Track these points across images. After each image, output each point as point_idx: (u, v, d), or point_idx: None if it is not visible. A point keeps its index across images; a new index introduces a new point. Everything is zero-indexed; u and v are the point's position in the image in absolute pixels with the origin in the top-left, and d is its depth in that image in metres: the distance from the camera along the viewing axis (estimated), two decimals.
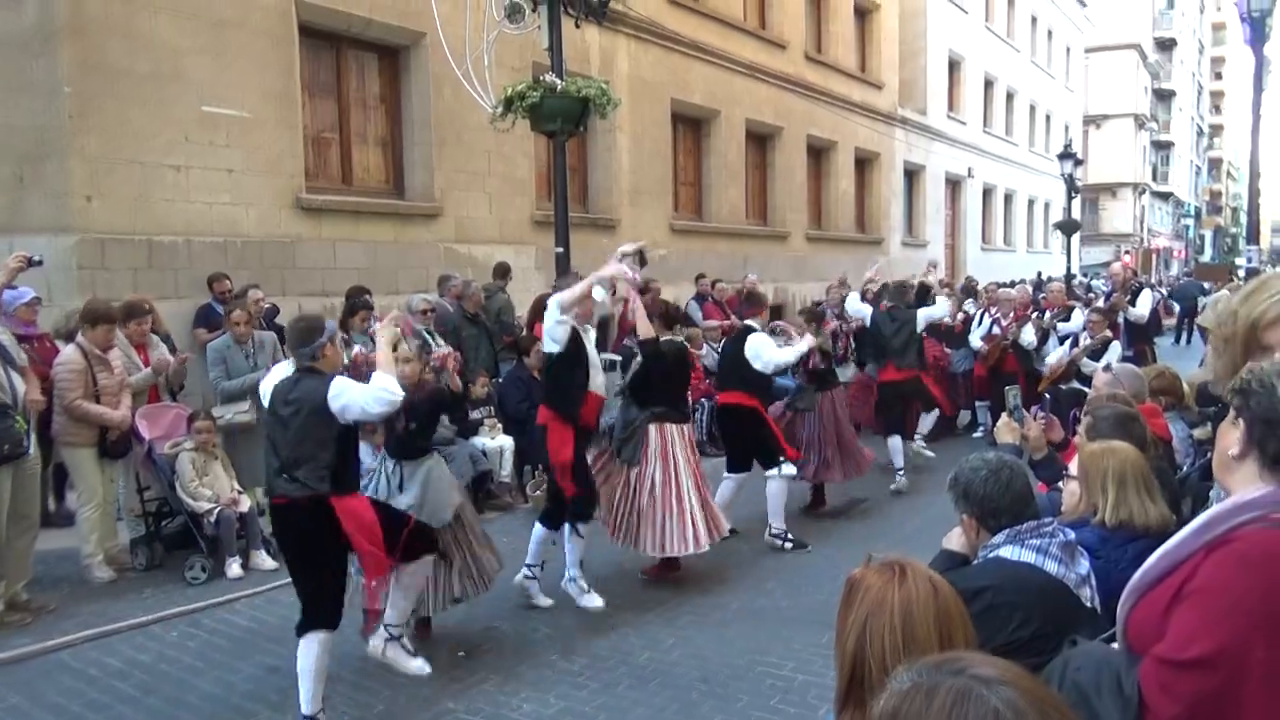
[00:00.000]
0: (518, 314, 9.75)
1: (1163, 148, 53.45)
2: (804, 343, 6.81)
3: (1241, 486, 1.67)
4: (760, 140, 16.92)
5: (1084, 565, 2.51)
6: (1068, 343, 9.08)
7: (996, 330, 9.89)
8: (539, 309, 6.85)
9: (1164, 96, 52.87)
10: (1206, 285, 24.48)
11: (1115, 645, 1.91)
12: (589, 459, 5.78)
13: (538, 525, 5.57)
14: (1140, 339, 10.21)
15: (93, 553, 5.96)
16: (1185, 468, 4.07)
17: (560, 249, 6.83)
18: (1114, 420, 3.29)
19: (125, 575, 6.08)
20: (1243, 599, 1.53)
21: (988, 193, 28.02)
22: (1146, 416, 3.61)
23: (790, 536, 6.55)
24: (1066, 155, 21.18)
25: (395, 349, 4.42)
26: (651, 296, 9.32)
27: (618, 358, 9.49)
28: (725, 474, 6.67)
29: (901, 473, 8.23)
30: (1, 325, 5.73)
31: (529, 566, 5.52)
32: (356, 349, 6.39)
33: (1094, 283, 24.67)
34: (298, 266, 9.13)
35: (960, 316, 10.87)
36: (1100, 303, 11.09)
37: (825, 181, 19.19)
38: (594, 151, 13.01)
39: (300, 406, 3.89)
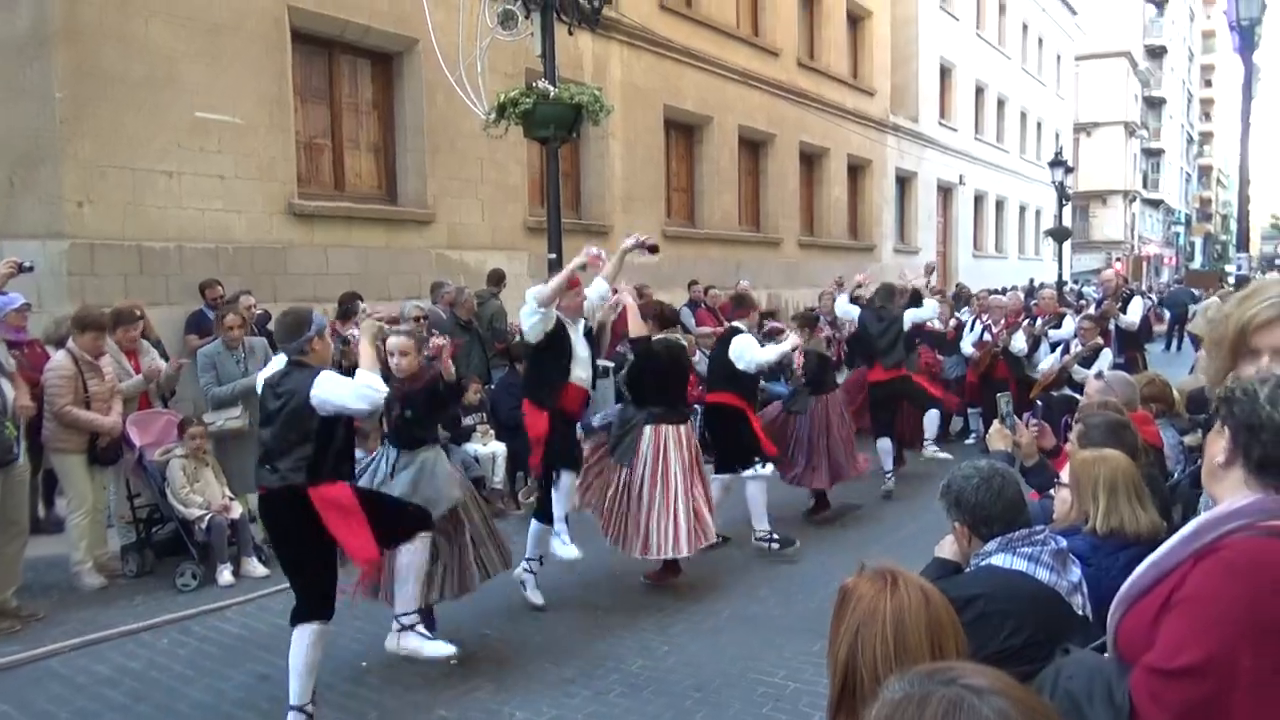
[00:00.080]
0: (510, 320, 9.75)
1: (1153, 155, 53.75)
2: (787, 343, 6.84)
3: (1229, 494, 1.68)
4: (753, 147, 16.97)
5: (1075, 573, 2.52)
6: (1059, 350, 9.12)
7: (988, 337, 9.93)
8: None
9: (1154, 104, 53.17)
10: (1197, 292, 24.61)
11: (1107, 654, 1.92)
12: (585, 450, 5.85)
13: (533, 521, 5.68)
14: (1131, 346, 10.24)
15: (82, 559, 5.93)
16: (1176, 475, 4.09)
17: (553, 255, 6.84)
18: (1105, 428, 3.30)
19: (115, 582, 6.04)
20: (1230, 608, 1.54)
21: (979, 199, 28.13)
22: (1138, 424, 3.63)
23: (776, 536, 6.56)
24: (1057, 162, 21.30)
25: (385, 342, 4.46)
26: (646, 299, 9.34)
27: (610, 364, 9.51)
28: (713, 475, 6.68)
29: (890, 475, 8.25)
30: None
31: (528, 560, 5.59)
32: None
33: (1085, 290, 24.76)
34: (289, 272, 9.12)
35: (953, 323, 10.91)
36: (1091, 310, 11.13)
37: (817, 188, 19.26)
38: (587, 158, 13.03)
39: (287, 399, 3.92)
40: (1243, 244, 13.06)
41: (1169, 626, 1.61)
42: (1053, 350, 9.26)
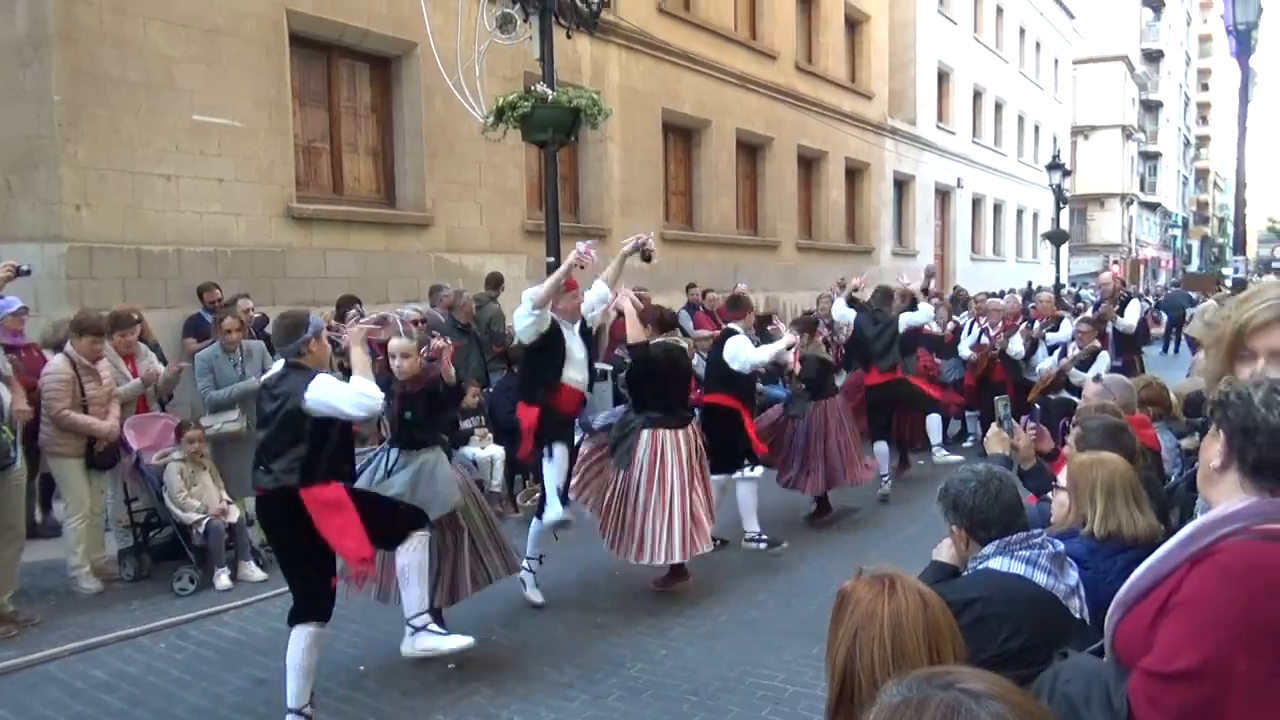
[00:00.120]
0: (508, 324, 9.75)
1: (1150, 158, 53.86)
2: (781, 342, 6.85)
3: (1224, 498, 1.69)
4: (751, 150, 16.98)
5: (1073, 576, 2.53)
6: (1056, 352, 9.13)
7: (985, 340, 9.94)
8: None
9: (1151, 108, 53.29)
10: (1194, 295, 24.64)
11: (1104, 658, 1.92)
12: (586, 450, 5.85)
13: (534, 520, 5.71)
14: (1128, 349, 10.26)
15: (79, 564, 5.92)
16: (1173, 478, 4.09)
17: (551, 258, 6.84)
18: (1103, 431, 3.30)
19: (112, 586, 6.03)
20: (1226, 611, 1.54)
21: (977, 203, 28.17)
22: (1136, 427, 3.63)
23: (765, 536, 6.57)
24: (1055, 166, 21.33)
25: (386, 345, 4.49)
26: (644, 303, 9.33)
27: (609, 367, 9.51)
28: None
29: (887, 479, 8.25)
30: None
31: (528, 559, 5.62)
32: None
33: (1083, 292, 24.80)
34: (288, 276, 9.11)
35: (950, 326, 10.91)
36: (1089, 313, 11.15)
37: (816, 191, 19.27)
38: (585, 161, 13.04)
39: (282, 401, 3.94)
40: (1240, 247, 13.08)
41: (1166, 630, 1.61)
42: (1050, 353, 9.27)
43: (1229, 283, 15.17)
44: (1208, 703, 1.54)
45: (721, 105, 15.53)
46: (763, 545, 6.52)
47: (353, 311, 4.85)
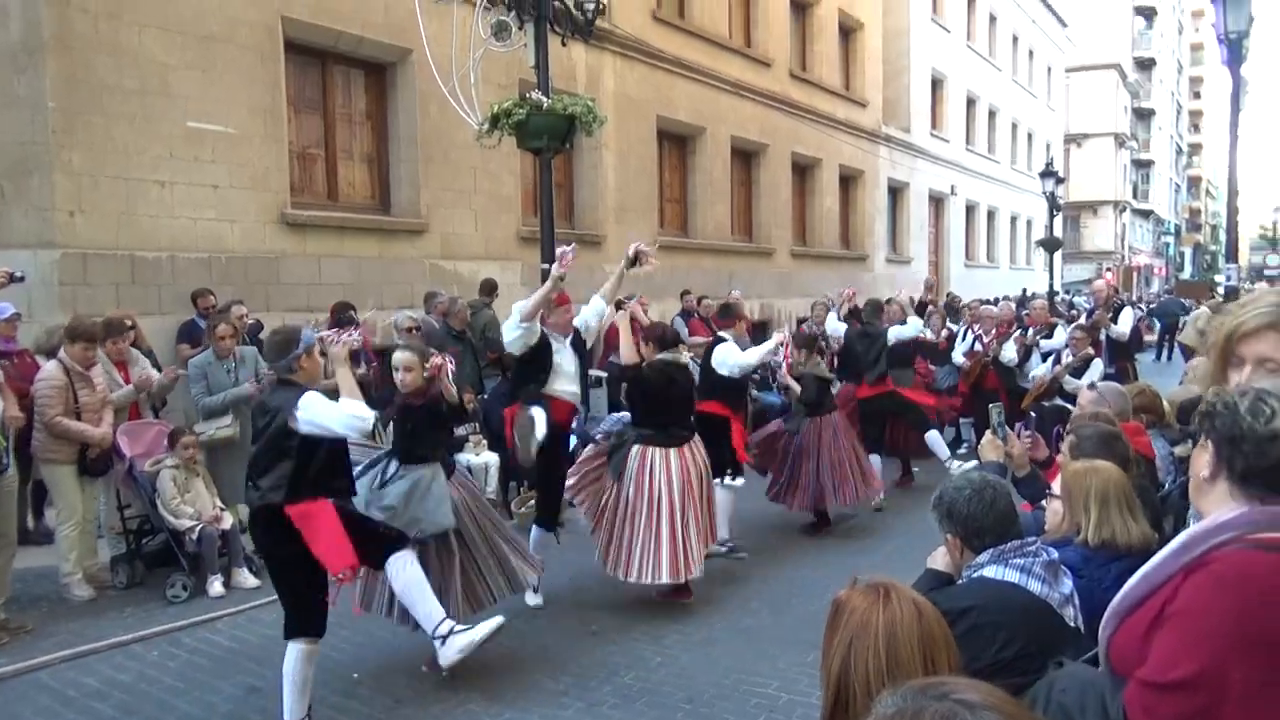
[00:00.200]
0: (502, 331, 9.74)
1: (1143, 166, 54.10)
2: (769, 343, 6.87)
3: (1215, 508, 1.70)
4: (745, 157, 17.02)
5: (1067, 584, 2.53)
6: (1050, 360, 9.15)
7: (979, 347, 9.96)
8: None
9: (1143, 115, 53.54)
10: (1187, 302, 24.74)
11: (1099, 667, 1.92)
12: (589, 453, 5.85)
13: (534, 528, 5.74)
14: (1122, 356, 10.29)
15: (72, 571, 5.89)
16: (1167, 485, 4.10)
17: (546, 265, 6.83)
18: (1097, 439, 3.31)
19: (105, 594, 6.01)
20: (1220, 621, 1.55)
21: (970, 210, 28.25)
22: (1130, 435, 3.64)
23: (729, 543, 6.61)
24: (1048, 173, 21.39)
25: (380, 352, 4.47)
26: (641, 306, 9.32)
27: (604, 374, 9.52)
28: None
29: (880, 492, 8.25)
30: None
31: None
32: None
33: (1076, 299, 24.87)
34: (282, 282, 9.10)
35: (944, 333, 10.93)
36: (1082, 320, 11.18)
37: (810, 198, 19.31)
38: (580, 168, 13.05)
39: (272, 417, 3.95)
40: (1232, 254, 13.15)
41: (1161, 641, 1.61)
42: (1044, 360, 9.29)
43: (1221, 290, 15.23)
44: (1203, 712, 1.54)
45: (716, 112, 15.56)
46: (723, 549, 6.58)
47: (328, 335, 4.74)
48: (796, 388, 7.56)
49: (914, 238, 23.92)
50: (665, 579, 5.50)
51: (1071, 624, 2.46)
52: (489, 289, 10.12)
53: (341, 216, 9.82)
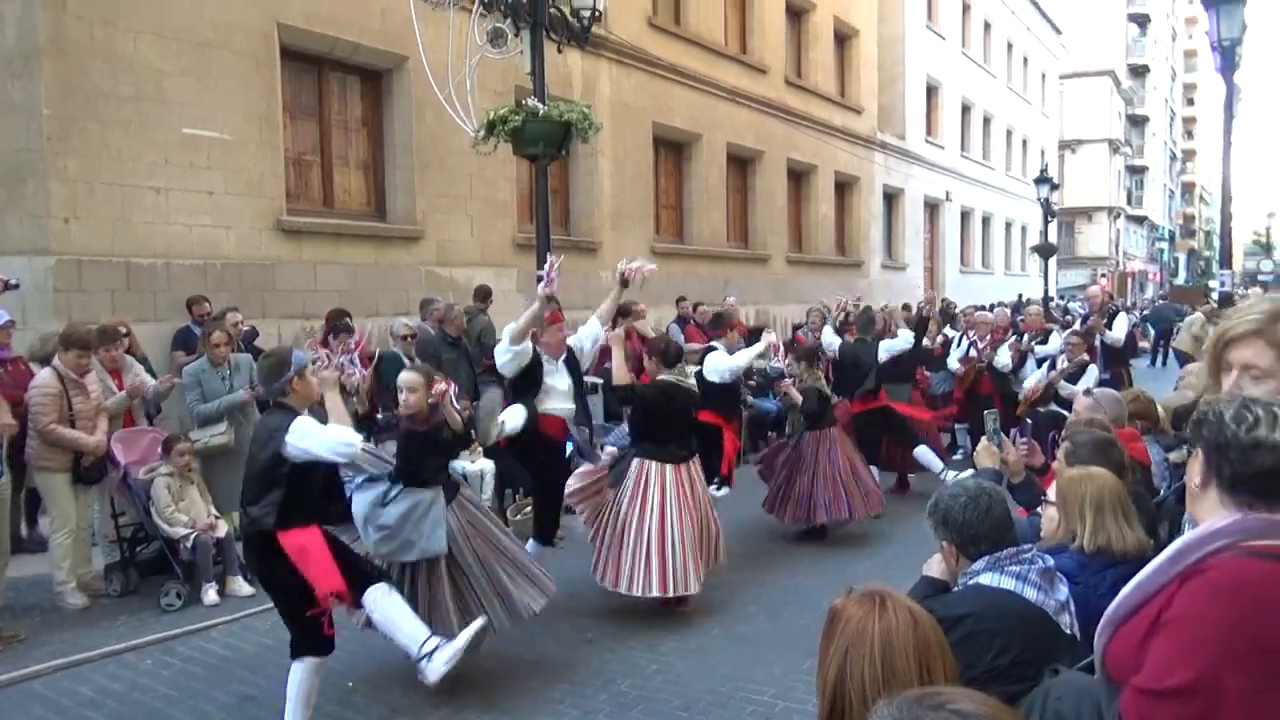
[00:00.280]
0: (498, 337, 9.73)
1: (1137, 172, 54.29)
2: (758, 345, 6.88)
3: (1208, 515, 1.71)
4: (741, 164, 17.05)
5: (1063, 591, 2.53)
6: (1045, 365, 9.17)
7: (974, 353, 9.97)
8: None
9: (1137, 122, 53.75)
10: (1181, 308, 24.78)
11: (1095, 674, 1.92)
12: (594, 465, 5.84)
13: (531, 542, 5.72)
14: (1116, 362, 10.31)
15: (65, 579, 5.87)
16: (1162, 492, 4.10)
17: (541, 272, 6.82)
18: (1092, 446, 3.31)
19: (99, 602, 5.98)
20: (1215, 629, 1.55)
21: (966, 216, 28.32)
22: (1125, 441, 3.65)
23: None
24: (1043, 179, 21.47)
25: (370, 378, 4.45)
26: (637, 315, 9.33)
27: (600, 380, 9.50)
28: None
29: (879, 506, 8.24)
30: None
31: None
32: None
33: (1071, 305, 24.93)
34: (278, 289, 9.09)
35: (940, 339, 10.94)
36: (1077, 325, 11.20)
37: (805, 205, 19.35)
38: (576, 175, 13.06)
39: (265, 442, 3.95)
40: (1226, 260, 13.15)
41: (1157, 648, 1.61)
42: (1039, 366, 9.31)
43: (1216, 295, 15.26)
44: (1198, 719, 1.54)
45: (712, 119, 15.59)
46: None
47: (314, 359, 4.65)
48: (799, 399, 7.56)
49: (909, 244, 23.97)
50: (655, 593, 5.46)
51: (1067, 631, 2.46)
52: (483, 295, 10.12)
53: (337, 223, 9.81)
